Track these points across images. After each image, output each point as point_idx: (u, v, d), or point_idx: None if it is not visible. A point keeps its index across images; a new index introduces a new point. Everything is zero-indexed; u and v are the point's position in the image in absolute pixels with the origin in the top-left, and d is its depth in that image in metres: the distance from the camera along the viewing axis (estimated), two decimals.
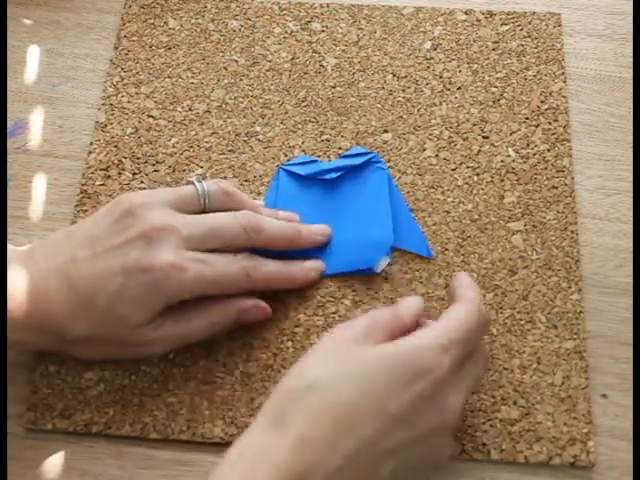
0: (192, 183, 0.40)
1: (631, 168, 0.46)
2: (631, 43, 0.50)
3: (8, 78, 0.49)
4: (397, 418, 0.31)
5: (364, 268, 0.42)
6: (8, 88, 0.49)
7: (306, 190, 0.44)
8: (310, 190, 0.44)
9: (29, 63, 0.50)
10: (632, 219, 0.44)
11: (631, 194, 0.45)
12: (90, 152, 0.46)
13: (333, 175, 0.44)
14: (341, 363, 0.32)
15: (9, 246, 0.38)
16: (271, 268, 0.40)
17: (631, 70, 0.49)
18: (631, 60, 0.49)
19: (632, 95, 0.48)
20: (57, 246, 0.38)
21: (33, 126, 0.48)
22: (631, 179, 0.45)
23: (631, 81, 0.49)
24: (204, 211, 0.39)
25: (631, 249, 0.43)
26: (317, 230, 0.42)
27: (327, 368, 0.32)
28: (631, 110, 0.47)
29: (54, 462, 0.39)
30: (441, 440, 0.34)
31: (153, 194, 0.39)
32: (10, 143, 0.47)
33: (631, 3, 0.51)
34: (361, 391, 0.31)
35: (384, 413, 0.31)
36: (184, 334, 0.39)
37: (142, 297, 0.36)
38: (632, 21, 0.51)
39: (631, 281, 0.42)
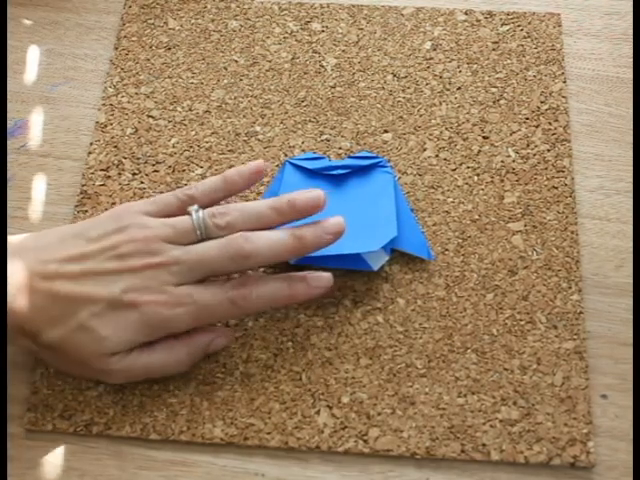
0: (189, 213, 0.38)
1: (631, 168, 0.46)
2: (630, 43, 0.50)
3: (8, 78, 0.49)
4: None
5: (364, 253, 0.41)
6: (8, 88, 0.49)
7: (310, 183, 0.44)
8: (314, 184, 0.44)
9: (29, 63, 0.50)
10: (632, 219, 0.44)
11: (631, 194, 0.45)
12: (90, 152, 0.46)
13: (340, 171, 0.44)
14: None
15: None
16: (264, 292, 0.38)
17: (630, 70, 0.49)
18: (630, 60, 0.49)
19: (632, 95, 0.48)
20: (49, 249, 0.38)
21: (33, 126, 0.48)
22: (631, 179, 0.45)
23: (630, 81, 0.49)
24: (201, 241, 0.38)
25: (631, 249, 0.43)
26: (330, 228, 0.38)
27: None
28: (630, 110, 0.47)
29: (54, 463, 0.39)
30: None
31: (153, 229, 0.38)
32: (10, 143, 0.47)
33: (630, 3, 0.51)
34: None
35: None
36: (146, 367, 0.38)
37: (124, 326, 0.36)
38: (631, 21, 0.51)
39: (631, 281, 0.43)
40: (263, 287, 0.38)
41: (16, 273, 0.37)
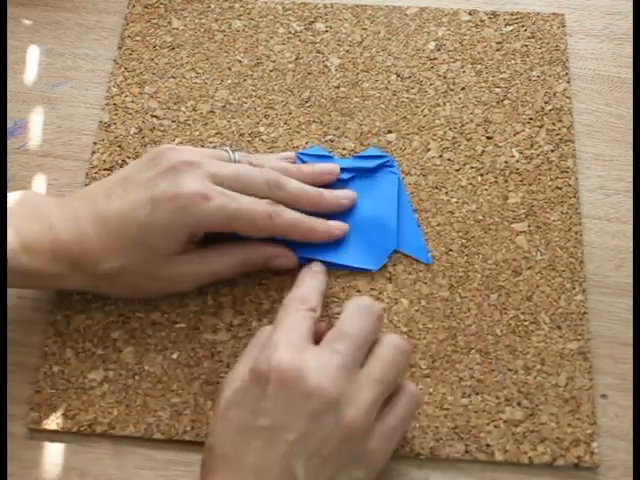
0: (225, 150, 0.42)
1: (631, 168, 0.46)
2: (630, 43, 0.50)
3: (8, 78, 0.49)
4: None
5: (362, 267, 0.42)
6: (8, 88, 0.49)
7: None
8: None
9: (29, 63, 0.50)
10: (632, 219, 0.44)
11: (631, 194, 0.45)
12: (94, 152, 0.46)
13: (346, 176, 0.44)
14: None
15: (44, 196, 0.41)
16: (293, 215, 0.40)
17: (631, 70, 0.49)
18: (630, 60, 0.49)
19: (632, 95, 0.48)
20: (91, 190, 0.40)
21: (33, 126, 0.48)
22: (631, 179, 0.46)
23: (631, 81, 0.49)
24: None
25: (631, 249, 0.43)
26: (341, 194, 0.43)
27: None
28: (631, 110, 0.48)
29: (54, 462, 0.39)
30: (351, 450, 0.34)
31: (188, 150, 0.41)
32: (10, 143, 0.47)
33: (630, 3, 0.51)
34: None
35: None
36: (211, 269, 0.40)
37: (169, 225, 0.38)
38: (631, 21, 0.51)
39: (631, 281, 0.43)
40: (292, 213, 0.41)
41: (61, 215, 0.38)
